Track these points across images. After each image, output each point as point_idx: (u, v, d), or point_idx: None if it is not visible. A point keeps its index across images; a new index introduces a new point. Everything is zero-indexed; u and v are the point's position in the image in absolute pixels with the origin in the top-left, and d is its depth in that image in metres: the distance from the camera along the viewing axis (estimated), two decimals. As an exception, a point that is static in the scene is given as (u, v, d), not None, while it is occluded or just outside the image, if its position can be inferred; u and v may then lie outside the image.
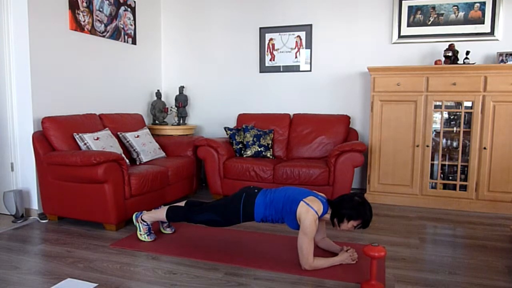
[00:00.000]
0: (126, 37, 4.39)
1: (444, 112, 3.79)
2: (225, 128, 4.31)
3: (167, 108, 4.74)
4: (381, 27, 4.23)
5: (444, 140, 3.86)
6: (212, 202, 2.64)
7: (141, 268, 2.37)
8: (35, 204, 3.38)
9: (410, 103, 3.78)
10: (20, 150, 3.39)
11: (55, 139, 3.18)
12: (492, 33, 3.86)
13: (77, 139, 3.28)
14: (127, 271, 2.32)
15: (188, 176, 4.01)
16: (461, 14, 3.94)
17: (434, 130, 3.80)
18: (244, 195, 2.49)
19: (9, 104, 3.35)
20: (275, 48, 4.61)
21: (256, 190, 2.52)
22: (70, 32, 3.65)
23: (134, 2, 4.50)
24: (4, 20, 3.27)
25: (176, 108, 4.78)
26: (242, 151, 4.21)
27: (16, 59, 3.30)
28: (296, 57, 4.55)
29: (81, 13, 3.74)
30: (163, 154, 4.07)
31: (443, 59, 3.87)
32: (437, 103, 3.73)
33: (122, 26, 4.31)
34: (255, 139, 4.18)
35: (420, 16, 4.07)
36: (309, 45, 4.48)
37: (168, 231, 2.99)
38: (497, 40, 3.86)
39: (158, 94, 4.74)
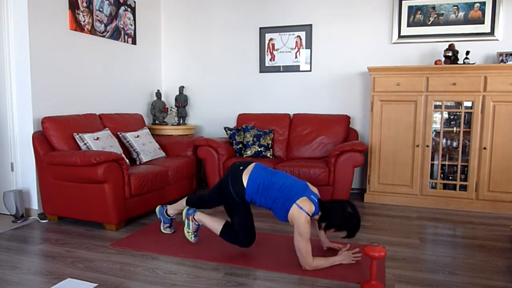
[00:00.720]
0: (126, 37, 4.39)
1: (444, 112, 3.79)
2: (225, 128, 4.31)
3: (167, 108, 4.74)
4: (381, 27, 4.23)
5: (444, 140, 3.86)
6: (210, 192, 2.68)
7: (141, 268, 2.37)
8: (35, 204, 3.38)
9: (410, 103, 3.78)
10: (20, 150, 3.39)
11: (55, 139, 3.18)
12: (492, 33, 3.86)
13: (77, 139, 3.28)
14: (127, 271, 2.32)
15: (188, 176, 4.01)
16: (461, 14, 3.94)
17: (434, 130, 3.80)
18: (230, 176, 2.49)
19: (9, 104, 3.35)
20: (275, 48, 4.61)
21: (241, 167, 2.48)
22: (70, 32, 3.65)
23: (134, 2, 4.50)
24: (4, 20, 3.27)
25: (176, 108, 4.78)
26: (242, 151, 4.21)
27: (16, 59, 3.30)
28: (296, 57, 4.55)
29: (81, 13, 3.74)
30: (163, 154, 4.07)
31: (443, 59, 3.87)
32: (437, 103, 3.73)
33: (122, 26, 4.31)
34: (255, 139, 4.18)
35: (420, 16, 4.07)
36: (309, 45, 4.48)
37: (168, 231, 2.98)
38: (497, 40, 3.86)
39: (158, 94, 4.74)
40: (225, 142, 4.14)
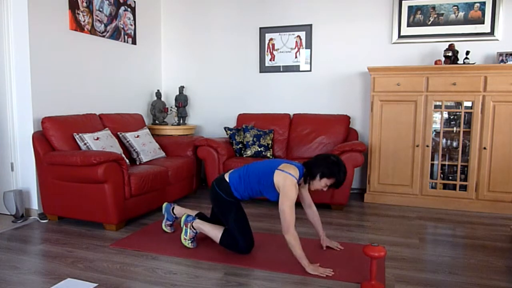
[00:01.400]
0: (126, 37, 4.39)
1: (444, 112, 3.79)
2: (225, 128, 4.31)
3: (167, 108, 4.74)
4: (381, 27, 4.23)
5: (444, 140, 3.86)
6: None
7: (141, 268, 2.37)
8: (35, 204, 3.38)
9: (410, 103, 3.78)
10: (20, 150, 3.39)
11: (55, 139, 3.18)
12: (492, 33, 3.86)
13: (77, 139, 3.28)
14: (127, 271, 2.32)
15: (188, 176, 4.01)
16: (461, 14, 3.94)
17: (434, 130, 3.80)
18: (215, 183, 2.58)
19: (9, 104, 3.35)
20: (275, 48, 4.61)
21: (223, 173, 2.61)
22: (70, 32, 3.65)
23: (134, 2, 4.50)
24: (4, 20, 3.27)
25: (176, 108, 4.78)
26: (242, 151, 4.21)
27: (16, 59, 3.30)
28: (296, 57, 4.55)
29: (81, 13, 3.74)
30: (163, 154, 4.07)
31: (443, 59, 3.87)
32: (437, 103, 3.73)
33: (122, 26, 4.31)
34: (255, 139, 4.18)
35: (420, 16, 4.07)
36: (309, 45, 4.48)
37: (168, 229, 2.99)
38: (497, 40, 3.86)
39: (158, 94, 4.74)
40: (225, 142, 4.14)
